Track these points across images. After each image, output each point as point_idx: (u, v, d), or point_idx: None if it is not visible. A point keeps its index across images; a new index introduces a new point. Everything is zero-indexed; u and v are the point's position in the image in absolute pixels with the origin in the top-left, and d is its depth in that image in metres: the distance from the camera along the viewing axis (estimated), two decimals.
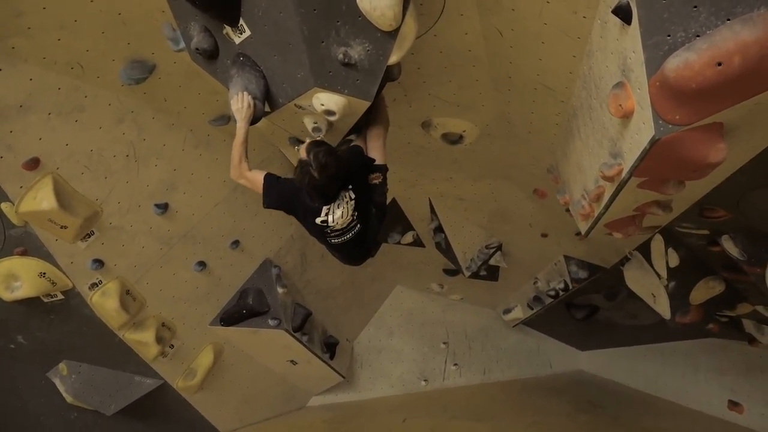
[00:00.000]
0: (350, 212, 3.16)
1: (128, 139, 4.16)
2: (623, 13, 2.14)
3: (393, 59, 2.77)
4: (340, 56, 2.69)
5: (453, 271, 7.11)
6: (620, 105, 2.37)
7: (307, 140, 3.17)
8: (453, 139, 4.43)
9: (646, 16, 2.04)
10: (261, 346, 6.05)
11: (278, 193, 3.21)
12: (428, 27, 3.19)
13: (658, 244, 4.43)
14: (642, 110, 2.25)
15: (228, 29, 2.89)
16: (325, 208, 3.12)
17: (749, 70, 1.85)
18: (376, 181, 3.39)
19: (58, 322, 4.62)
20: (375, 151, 3.48)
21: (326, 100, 2.85)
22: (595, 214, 3.45)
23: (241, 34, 2.85)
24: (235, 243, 5.38)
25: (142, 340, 4.88)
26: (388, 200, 5.90)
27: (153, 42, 3.68)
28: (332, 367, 6.82)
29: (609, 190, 3.02)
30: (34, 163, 3.72)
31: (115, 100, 3.97)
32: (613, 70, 2.45)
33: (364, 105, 2.94)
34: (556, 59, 3.03)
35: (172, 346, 5.29)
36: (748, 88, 1.95)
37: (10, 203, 3.74)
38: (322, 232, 3.26)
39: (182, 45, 3.30)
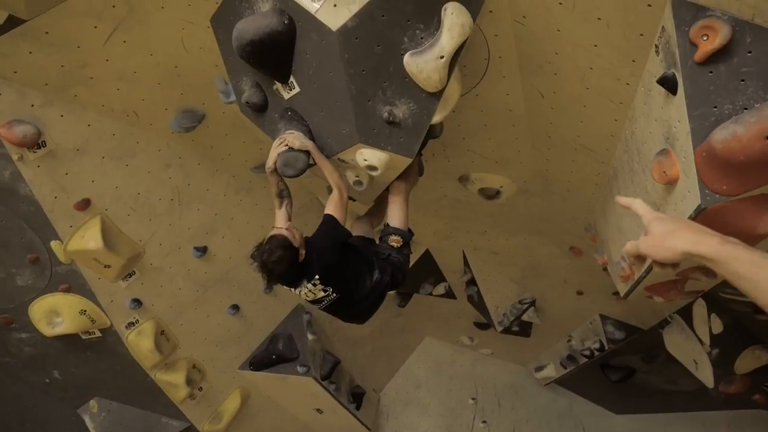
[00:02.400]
0: (320, 292, 3.14)
1: (174, 183, 4.31)
2: (669, 84, 2.16)
3: (436, 119, 2.83)
4: (385, 114, 2.76)
5: (484, 325, 7.00)
6: (664, 172, 2.36)
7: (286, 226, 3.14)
8: (490, 194, 4.44)
9: (691, 88, 2.06)
10: (288, 392, 6.01)
11: None
12: (470, 87, 3.26)
13: (700, 309, 4.31)
14: (687, 178, 2.23)
15: (278, 85, 3.00)
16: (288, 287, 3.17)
17: None
18: (394, 244, 3.39)
19: (93, 359, 4.69)
20: (394, 206, 3.46)
21: (369, 155, 2.91)
22: (635, 277, 3.38)
23: (291, 90, 2.96)
24: (269, 288, 5.43)
25: (173, 382, 4.91)
26: (422, 251, 5.99)
27: (204, 93, 3.85)
28: (358, 419, 6.69)
29: None
30: (85, 204, 3.87)
31: (165, 147, 4.14)
32: (657, 137, 2.46)
33: (405, 162, 2.99)
34: (598, 122, 3.05)
35: (201, 388, 5.30)
36: None
37: (60, 241, 3.88)
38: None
39: (233, 98, 3.44)
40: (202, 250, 4.69)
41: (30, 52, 3.17)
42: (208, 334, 5.16)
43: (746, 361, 4.44)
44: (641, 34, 2.29)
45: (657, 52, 2.26)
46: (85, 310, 4.24)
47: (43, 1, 2.91)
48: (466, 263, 6.04)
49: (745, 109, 1.96)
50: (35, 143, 3.47)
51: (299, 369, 5.69)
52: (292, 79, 2.92)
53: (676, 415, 7.11)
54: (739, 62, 1.94)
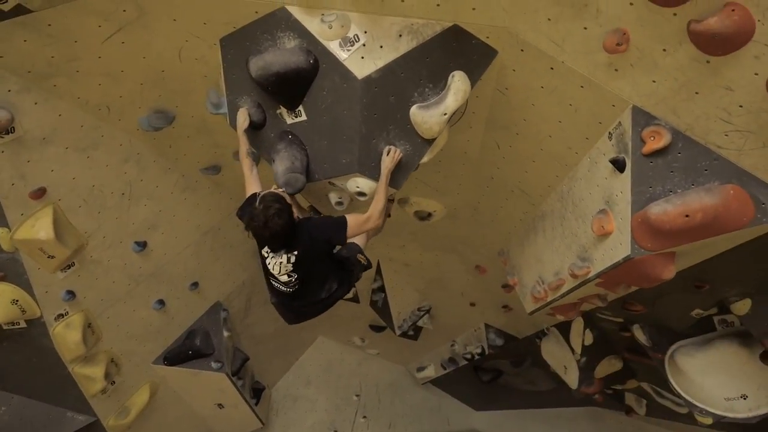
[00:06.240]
0: (285, 271, 3.28)
1: (128, 178, 4.31)
2: (619, 164, 2.90)
3: (424, 159, 3.35)
4: (385, 153, 3.21)
5: (379, 328, 7.60)
6: (602, 226, 3.11)
7: (274, 187, 3.31)
8: (422, 216, 5.05)
9: (637, 171, 2.81)
10: (196, 388, 6.07)
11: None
12: None
13: (578, 325, 5.29)
14: (621, 234, 3.00)
15: (283, 110, 3.30)
16: (264, 251, 3.33)
17: (706, 223, 2.65)
18: (362, 261, 3.70)
19: (9, 350, 4.45)
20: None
21: (362, 184, 3.32)
22: (548, 299, 4.18)
23: (296, 117, 3.28)
24: (194, 284, 5.52)
25: (91, 375, 4.81)
26: None
27: (181, 98, 3.97)
28: (256, 413, 6.91)
29: (570, 283, 3.75)
30: (40, 193, 3.77)
31: (127, 142, 4.15)
32: (596, 198, 3.21)
33: (391, 191, 3.46)
34: (540, 175, 3.78)
35: (114, 382, 5.21)
36: (701, 234, 2.74)
37: (7, 229, 3.73)
38: (264, 267, 3.40)
39: (223, 110, 3.63)
40: (142, 245, 4.70)
41: (24, 41, 3.12)
42: (130, 328, 5.11)
43: (603, 367, 5.52)
44: (600, 122, 3.02)
45: (610, 137, 3.00)
46: (17, 300, 4.06)
47: None
48: (378, 272, 6.59)
49: (671, 192, 2.75)
50: (5, 129, 3.38)
51: (213, 365, 5.81)
52: (300, 108, 3.25)
53: (529, 411, 8.31)
54: (672, 159, 2.72)
